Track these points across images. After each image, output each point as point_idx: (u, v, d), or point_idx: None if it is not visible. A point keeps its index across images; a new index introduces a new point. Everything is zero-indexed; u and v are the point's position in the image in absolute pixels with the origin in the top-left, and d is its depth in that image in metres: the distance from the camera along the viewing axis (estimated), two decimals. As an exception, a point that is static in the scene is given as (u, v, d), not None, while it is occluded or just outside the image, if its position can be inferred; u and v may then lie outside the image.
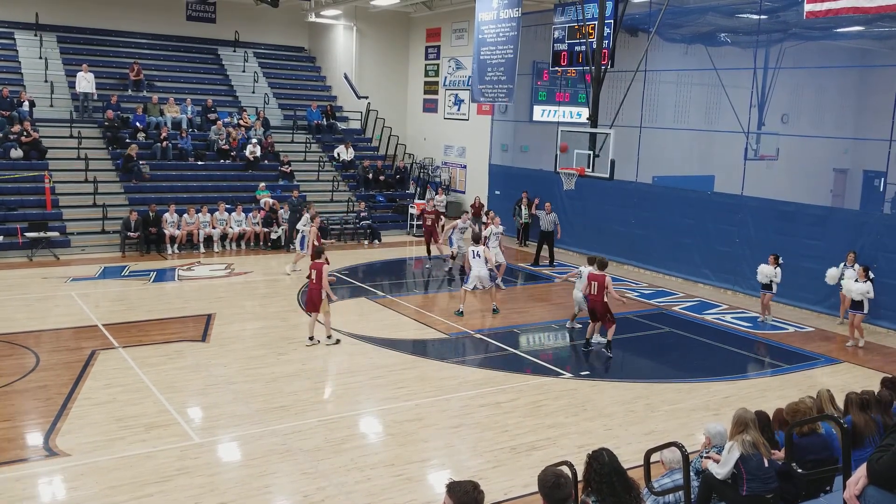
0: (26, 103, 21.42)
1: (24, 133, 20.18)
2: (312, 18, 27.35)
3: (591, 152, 16.11)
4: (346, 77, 27.41)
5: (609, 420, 9.55)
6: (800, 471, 5.83)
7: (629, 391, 10.63)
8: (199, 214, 19.66)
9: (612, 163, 15.36)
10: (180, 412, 9.35)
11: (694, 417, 9.65)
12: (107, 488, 7.43)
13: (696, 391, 10.80)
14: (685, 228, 17.85)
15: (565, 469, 4.60)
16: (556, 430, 9.18)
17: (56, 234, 18.44)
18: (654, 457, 6.14)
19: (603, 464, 4.72)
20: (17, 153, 19.93)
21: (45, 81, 22.95)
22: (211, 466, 8.09)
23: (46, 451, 8.24)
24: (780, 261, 14.11)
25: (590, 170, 16.10)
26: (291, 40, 28.93)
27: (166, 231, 19.13)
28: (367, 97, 27.02)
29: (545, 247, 19.45)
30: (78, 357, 11.06)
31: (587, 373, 11.29)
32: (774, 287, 14.19)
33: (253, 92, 26.42)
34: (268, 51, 28.27)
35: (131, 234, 18.75)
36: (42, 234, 18.08)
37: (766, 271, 14.14)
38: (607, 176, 15.62)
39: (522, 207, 21.32)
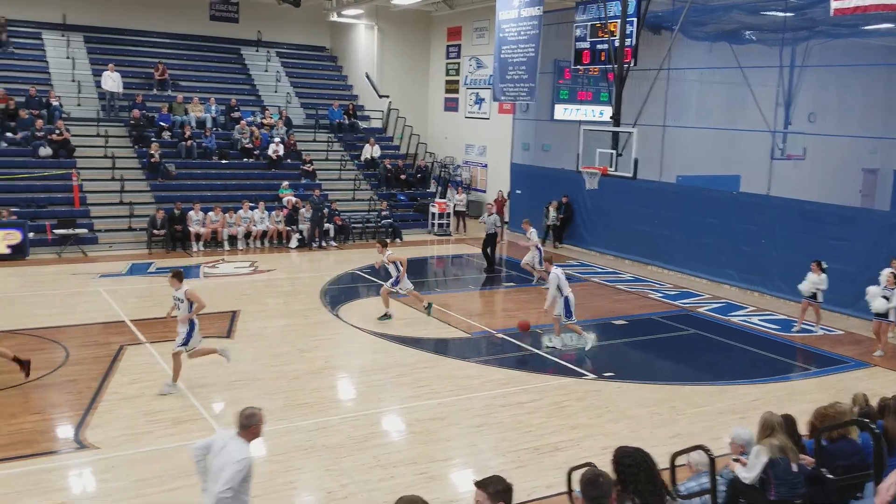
0: (56, 102, 21.72)
1: (57, 132, 20.48)
2: (334, 18, 27.49)
3: (614, 151, 16.06)
4: (367, 76, 27.51)
5: (633, 422, 9.50)
6: (830, 476, 5.77)
7: (654, 393, 10.58)
8: (226, 215, 19.83)
9: (636, 162, 15.29)
10: (206, 407, 9.46)
11: (721, 420, 9.56)
12: (136, 481, 7.55)
13: (723, 394, 10.71)
14: (710, 229, 17.70)
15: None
16: (580, 431, 9.16)
17: (84, 231, 18.70)
18: (680, 460, 6.10)
19: (632, 454, 4.52)
20: (45, 151, 20.23)
21: (73, 81, 23.27)
22: (237, 462, 8.16)
23: (77, 444, 8.38)
24: (825, 266, 13.58)
25: (613, 169, 16.04)
26: (313, 40, 29.08)
27: (191, 229, 19.32)
28: (388, 96, 27.10)
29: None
30: (106, 352, 11.21)
31: (611, 374, 11.23)
32: (820, 295, 13.60)
33: (275, 91, 26.59)
34: (290, 50, 28.44)
35: (157, 231, 18.96)
36: (71, 232, 18.35)
37: (813, 280, 13.50)
38: (630, 175, 15.55)
39: (551, 210, 21.25)
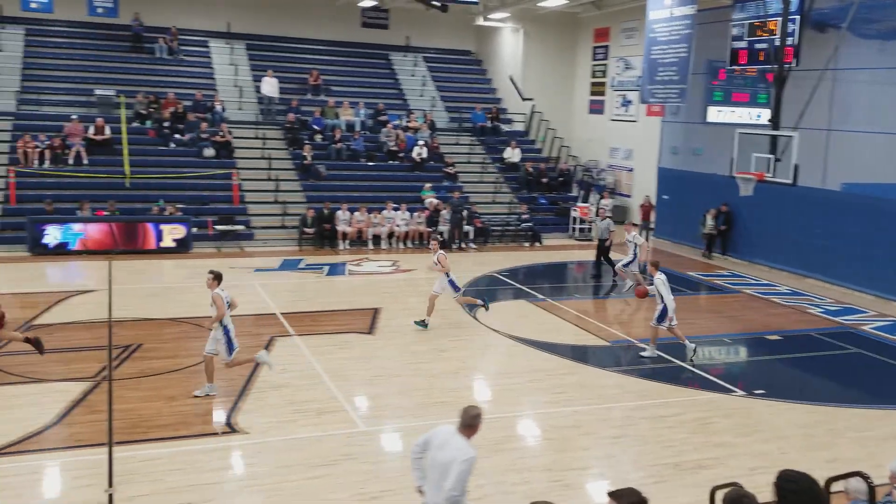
0: (219, 106, 23.34)
1: (220, 134, 22.02)
2: (480, 22, 27.70)
3: (773, 156, 15.16)
4: (511, 79, 27.53)
5: (785, 443, 8.88)
6: None
7: (809, 414, 9.85)
8: (371, 215, 20.49)
9: (796, 168, 14.34)
10: (348, 400, 9.78)
11: (884, 448, 8.74)
12: (280, 467, 7.92)
13: (888, 419, 9.81)
14: (879, 240, 16.26)
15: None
16: (725, 449, 8.67)
17: (242, 227, 19.96)
18: (837, 486, 5.62)
19: (798, 479, 4.05)
20: (209, 152, 21.77)
21: (235, 86, 24.89)
22: (375, 454, 8.39)
23: (228, 428, 8.92)
24: None
25: (770, 175, 15.13)
26: (459, 44, 29.50)
27: (339, 228, 20.12)
28: (531, 99, 26.99)
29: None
30: (258, 342, 11.83)
31: (762, 392, 10.55)
32: None
33: (421, 95, 27.21)
34: (436, 55, 29.00)
35: (307, 229, 19.90)
36: (230, 228, 19.64)
37: None
38: (790, 182, 14.60)
39: (708, 218, 20.30)
